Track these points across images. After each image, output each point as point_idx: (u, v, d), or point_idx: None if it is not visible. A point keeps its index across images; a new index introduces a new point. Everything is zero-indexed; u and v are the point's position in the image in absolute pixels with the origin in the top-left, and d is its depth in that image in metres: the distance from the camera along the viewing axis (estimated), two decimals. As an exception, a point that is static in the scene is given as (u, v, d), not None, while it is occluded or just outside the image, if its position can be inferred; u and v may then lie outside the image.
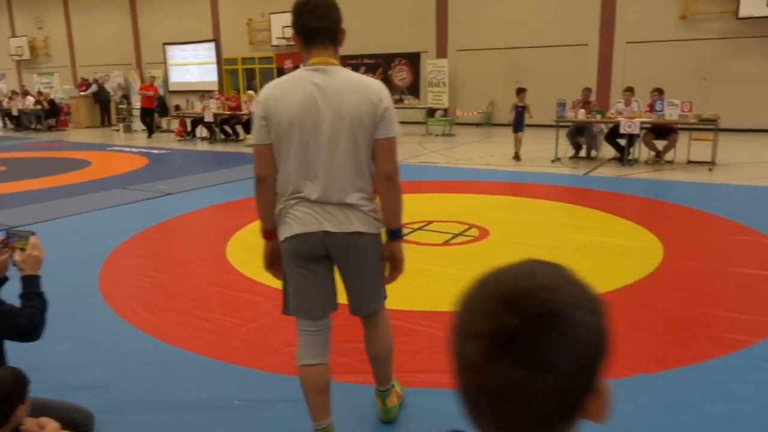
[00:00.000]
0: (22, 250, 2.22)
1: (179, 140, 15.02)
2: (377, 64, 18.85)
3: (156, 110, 17.07)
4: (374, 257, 2.31)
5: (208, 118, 14.08)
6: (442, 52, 17.80)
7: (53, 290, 4.25)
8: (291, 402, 2.68)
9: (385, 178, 2.23)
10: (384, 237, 2.33)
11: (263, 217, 2.32)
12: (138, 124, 19.10)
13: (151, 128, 16.04)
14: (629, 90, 10.26)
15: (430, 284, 4.25)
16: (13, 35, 27.96)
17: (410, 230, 5.77)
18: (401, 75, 18.61)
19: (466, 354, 0.62)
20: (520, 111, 10.25)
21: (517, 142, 10.31)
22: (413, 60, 18.27)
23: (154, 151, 12.79)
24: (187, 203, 7.32)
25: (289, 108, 2.13)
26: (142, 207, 7.20)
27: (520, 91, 10.33)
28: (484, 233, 5.64)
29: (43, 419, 2.07)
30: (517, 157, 10.33)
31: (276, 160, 2.21)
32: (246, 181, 8.36)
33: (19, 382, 1.99)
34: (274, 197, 2.26)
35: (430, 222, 6.07)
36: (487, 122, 17.01)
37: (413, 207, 6.70)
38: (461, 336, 0.63)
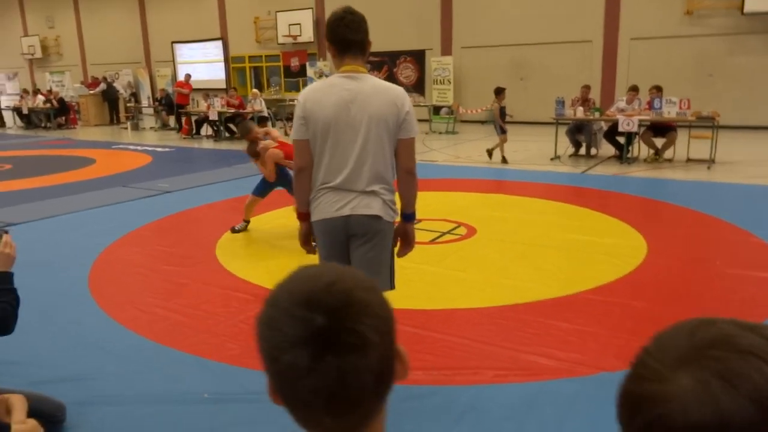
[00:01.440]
0: None
1: (184, 138, 15.18)
2: (382, 62, 18.88)
3: (165, 108, 17.28)
4: (385, 241, 2.63)
5: (213, 116, 14.22)
6: (446, 50, 17.81)
7: (43, 285, 4.40)
8: (258, 395, 2.76)
9: (406, 172, 2.62)
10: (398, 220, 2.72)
11: (300, 201, 2.68)
12: (146, 122, 19.33)
13: (180, 125, 16.02)
14: (634, 89, 10.11)
15: (411, 282, 4.30)
16: (26, 34, 28.33)
17: (399, 228, 5.82)
18: (407, 73, 18.64)
19: (289, 364, 0.65)
20: (504, 112, 9.70)
21: (504, 144, 9.70)
22: (418, 58, 18.27)
23: (159, 149, 12.95)
24: (185, 201, 7.42)
25: (325, 110, 2.48)
26: (141, 204, 7.31)
27: (500, 91, 9.56)
28: (471, 231, 5.69)
29: (7, 396, 2.00)
30: (505, 159, 9.75)
31: (312, 154, 2.56)
32: (245, 179, 8.45)
33: None
34: (309, 185, 2.61)
35: (420, 221, 6.11)
36: (491, 119, 16.96)
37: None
38: (277, 350, 0.66)
